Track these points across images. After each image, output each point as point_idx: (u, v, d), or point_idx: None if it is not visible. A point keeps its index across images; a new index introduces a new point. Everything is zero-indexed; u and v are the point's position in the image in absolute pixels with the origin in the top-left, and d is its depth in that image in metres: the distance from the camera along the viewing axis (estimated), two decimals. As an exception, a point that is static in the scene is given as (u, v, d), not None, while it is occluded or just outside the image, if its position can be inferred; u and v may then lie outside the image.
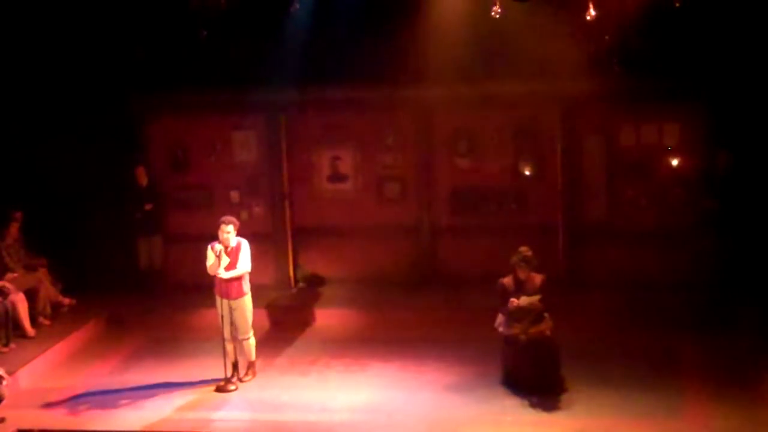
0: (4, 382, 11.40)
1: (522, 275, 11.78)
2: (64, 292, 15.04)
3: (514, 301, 11.66)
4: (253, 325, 12.55)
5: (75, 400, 12.19)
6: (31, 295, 14.20)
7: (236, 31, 14.48)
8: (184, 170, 16.03)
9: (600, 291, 14.47)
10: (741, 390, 11.49)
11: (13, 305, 13.59)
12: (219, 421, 11.43)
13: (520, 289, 11.76)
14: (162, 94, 15.26)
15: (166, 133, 16.00)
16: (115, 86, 15.12)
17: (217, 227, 12.18)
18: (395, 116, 15.67)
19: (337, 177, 16.01)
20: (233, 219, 12.31)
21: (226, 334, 12.22)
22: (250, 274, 12.40)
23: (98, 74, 15.10)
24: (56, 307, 14.82)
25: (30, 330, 13.82)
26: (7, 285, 13.60)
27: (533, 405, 11.37)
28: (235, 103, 15.45)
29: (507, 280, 11.86)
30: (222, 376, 12.27)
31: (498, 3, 12.18)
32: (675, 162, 14.91)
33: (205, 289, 12.68)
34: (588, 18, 12.12)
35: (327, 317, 14.75)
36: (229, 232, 12.12)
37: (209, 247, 12.20)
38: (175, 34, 14.48)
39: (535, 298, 11.69)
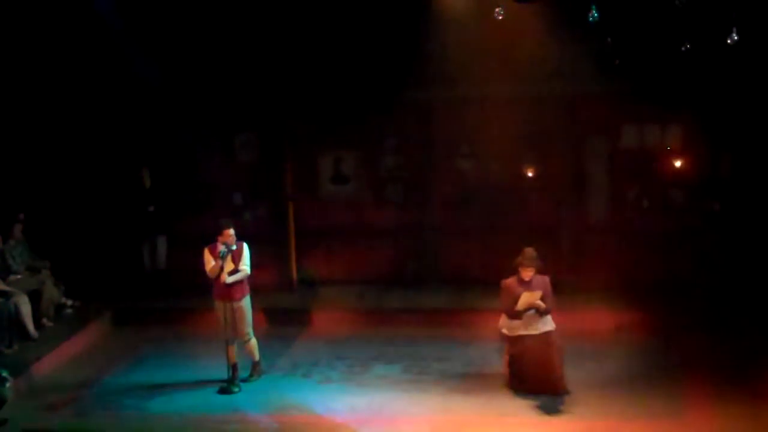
0: (8, 384, 11.40)
1: (526, 276, 11.77)
2: (68, 294, 15.07)
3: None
4: (256, 327, 12.61)
5: (79, 402, 12.20)
6: (35, 297, 14.21)
7: (239, 35, 14.53)
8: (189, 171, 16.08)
9: (602, 292, 14.46)
10: (744, 390, 11.50)
11: (17, 307, 13.61)
12: (222, 422, 11.42)
13: (523, 290, 11.75)
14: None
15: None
16: (120, 87, 15.16)
17: (218, 231, 12.20)
18: (398, 118, 15.68)
19: (339, 179, 16.03)
20: (231, 221, 12.43)
21: (228, 336, 12.26)
22: (253, 276, 12.44)
23: (102, 76, 15.15)
24: (59, 308, 14.86)
25: (33, 331, 13.83)
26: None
27: (537, 406, 11.37)
28: (239, 105, 15.46)
29: (510, 281, 11.86)
30: (226, 377, 12.30)
31: (501, 4, 12.19)
32: (677, 163, 14.91)
33: (208, 290, 12.68)
34: (590, 19, 12.11)
35: (329, 318, 14.78)
36: (233, 234, 12.17)
37: (206, 250, 12.23)
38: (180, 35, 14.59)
39: (537, 295, 11.68)
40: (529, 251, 11.82)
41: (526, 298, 11.65)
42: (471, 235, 15.47)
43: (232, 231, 12.19)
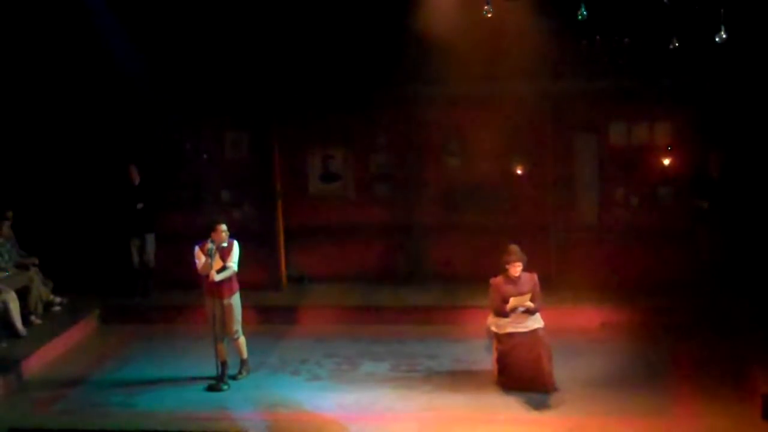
0: (-4, 382, 11.40)
1: (514, 272, 11.79)
2: (56, 291, 15.02)
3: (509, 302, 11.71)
4: (245, 325, 12.60)
5: (67, 399, 12.20)
6: (23, 294, 14.19)
7: (228, 31, 14.51)
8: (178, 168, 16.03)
9: (590, 290, 14.48)
10: (730, 388, 11.54)
11: (5, 304, 13.59)
12: (210, 419, 11.42)
13: (511, 288, 11.77)
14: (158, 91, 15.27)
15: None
16: (109, 83, 15.12)
17: (210, 228, 12.19)
18: (387, 116, 15.66)
19: (329, 176, 16.02)
20: (224, 218, 12.42)
21: (217, 333, 12.26)
22: (242, 273, 12.44)
23: (91, 73, 15.12)
24: (48, 305, 14.82)
25: (21, 329, 13.80)
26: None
27: (525, 403, 11.39)
28: (228, 102, 15.43)
29: (499, 279, 11.87)
30: (214, 374, 12.30)
31: (489, 2, 12.18)
32: (666, 161, 14.91)
33: (196, 287, 12.68)
34: (579, 17, 12.12)
35: (318, 316, 14.77)
36: (225, 230, 12.19)
37: (197, 247, 12.23)
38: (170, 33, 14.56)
39: (526, 297, 11.71)
40: (513, 248, 11.84)
41: (514, 302, 11.67)
42: (459, 232, 15.45)
43: (224, 227, 12.21)
